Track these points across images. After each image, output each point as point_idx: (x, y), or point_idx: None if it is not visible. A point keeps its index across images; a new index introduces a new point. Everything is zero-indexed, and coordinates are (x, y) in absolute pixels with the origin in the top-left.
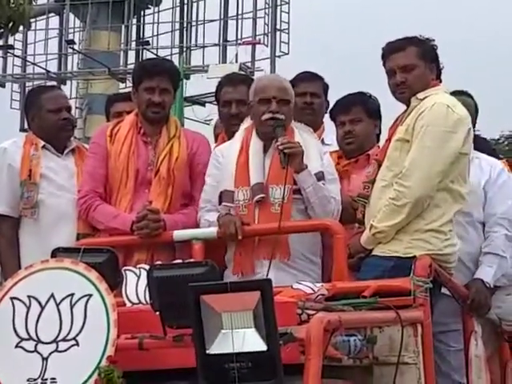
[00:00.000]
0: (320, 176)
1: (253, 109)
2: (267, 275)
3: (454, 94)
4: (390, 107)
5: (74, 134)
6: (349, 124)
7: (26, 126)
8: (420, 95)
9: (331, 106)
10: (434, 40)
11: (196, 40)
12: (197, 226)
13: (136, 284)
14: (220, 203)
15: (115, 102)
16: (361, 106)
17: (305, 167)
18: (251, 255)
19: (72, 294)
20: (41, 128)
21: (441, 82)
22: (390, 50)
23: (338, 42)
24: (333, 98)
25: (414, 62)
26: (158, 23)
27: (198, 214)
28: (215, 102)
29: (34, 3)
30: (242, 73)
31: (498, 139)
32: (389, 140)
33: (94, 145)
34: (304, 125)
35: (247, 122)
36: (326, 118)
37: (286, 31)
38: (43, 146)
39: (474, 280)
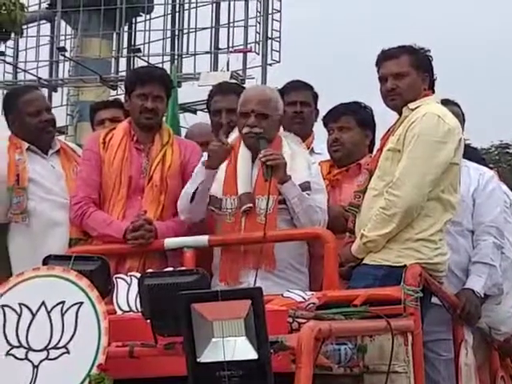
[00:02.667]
0: (306, 186)
1: (237, 121)
2: (254, 284)
3: (441, 102)
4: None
5: (55, 134)
6: (337, 131)
7: None
8: (411, 105)
9: (324, 113)
10: (429, 50)
11: (187, 48)
12: (189, 233)
13: (127, 292)
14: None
15: (97, 110)
16: (351, 114)
17: (288, 178)
18: (237, 264)
19: (63, 302)
20: (22, 131)
21: (433, 92)
22: (384, 57)
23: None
24: (323, 106)
25: (406, 70)
26: (150, 31)
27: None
28: (206, 110)
29: (25, 10)
30: (233, 82)
31: (489, 149)
32: (380, 150)
33: (87, 152)
34: (293, 135)
35: (235, 133)
36: (316, 126)
37: (278, 39)
38: (28, 148)
39: (464, 290)
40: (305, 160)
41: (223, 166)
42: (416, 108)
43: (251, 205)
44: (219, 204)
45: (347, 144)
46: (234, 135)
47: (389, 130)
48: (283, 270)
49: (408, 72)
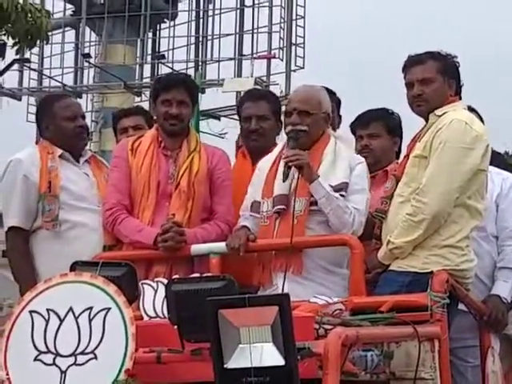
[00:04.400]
0: (341, 187)
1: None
2: (283, 288)
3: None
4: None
5: (88, 142)
6: (366, 138)
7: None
8: (438, 111)
9: (353, 119)
10: (456, 57)
11: (211, 54)
12: (216, 240)
13: (153, 298)
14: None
15: (120, 118)
16: (381, 121)
17: (315, 178)
18: (268, 267)
19: (90, 308)
20: (56, 136)
21: (460, 98)
22: (411, 63)
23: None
24: (347, 113)
25: (432, 76)
26: (174, 37)
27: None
28: (231, 116)
29: (51, 17)
30: (263, 88)
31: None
32: (407, 156)
33: (117, 159)
34: (346, 136)
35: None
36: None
37: (302, 45)
38: (60, 155)
39: (491, 296)
40: (347, 161)
41: (266, 170)
42: (443, 114)
43: (283, 206)
44: (258, 208)
45: (377, 151)
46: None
47: (415, 136)
48: (313, 273)
49: (434, 78)
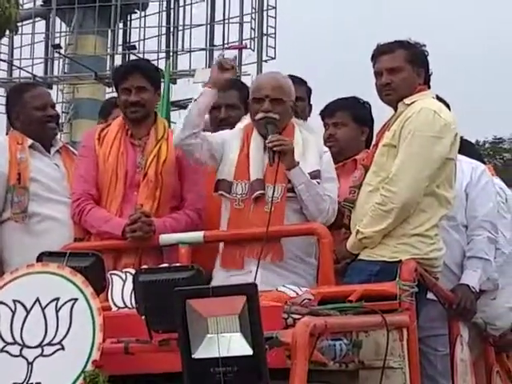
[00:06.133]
0: (316, 174)
1: (250, 108)
2: (256, 275)
3: None
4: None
5: (58, 132)
6: (332, 127)
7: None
8: (407, 100)
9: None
10: (424, 45)
11: (182, 44)
12: (186, 229)
13: (122, 288)
14: (216, 191)
15: (113, 107)
16: (347, 110)
17: (296, 164)
18: (242, 251)
19: (57, 299)
20: (26, 126)
21: (429, 87)
22: (380, 52)
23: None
24: (316, 102)
25: (401, 65)
26: (145, 27)
27: None
28: None
29: (20, 7)
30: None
31: (483, 144)
32: (376, 145)
33: (84, 148)
34: (307, 123)
35: (247, 120)
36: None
37: (273, 36)
38: (30, 146)
39: (460, 285)
40: (316, 148)
41: (235, 150)
42: (411, 103)
43: (263, 191)
44: (229, 188)
45: (341, 140)
46: (242, 124)
47: (384, 125)
48: (288, 262)
49: (403, 67)
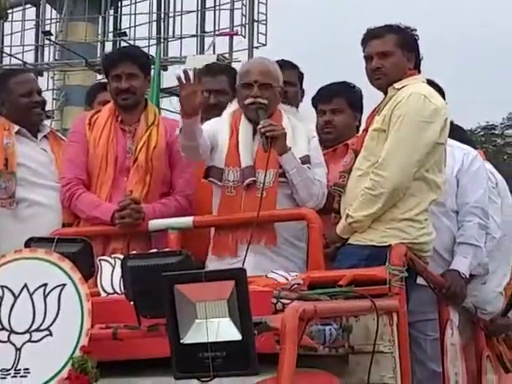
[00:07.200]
0: (305, 160)
1: (238, 93)
2: (244, 260)
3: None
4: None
5: (45, 118)
6: (329, 114)
7: None
8: (397, 85)
9: (314, 93)
10: (415, 30)
11: (173, 31)
12: (175, 215)
13: (111, 274)
14: (206, 178)
15: (100, 91)
16: (343, 96)
17: (288, 149)
18: (234, 237)
19: (45, 284)
20: (12, 112)
21: (419, 72)
22: (370, 36)
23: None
24: (309, 87)
25: (391, 49)
26: (136, 14)
27: None
28: None
29: None
30: (222, 63)
31: (475, 130)
32: (366, 130)
33: (74, 133)
34: (294, 109)
35: (234, 106)
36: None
37: (264, 22)
38: (17, 132)
39: (450, 270)
40: (305, 134)
41: (225, 137)
42: (402, 88)
43: (255, 178)
44: (220, 175)
45: (340, 127)
46: (229, 109)
47: (374, 109)
48: (281, 246)
49: (393, 51)
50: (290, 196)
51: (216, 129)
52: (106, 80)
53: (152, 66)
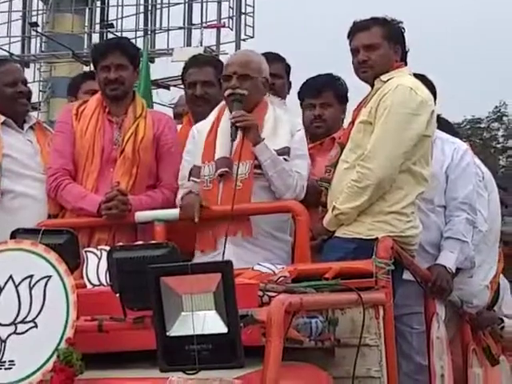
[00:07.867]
0: (284, 151)
1: (222, 86)
2: (224, 252)
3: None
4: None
5: (30, 108)
6: (319, 108)
7: None
8: (383, 77)
9: (300, 85)
10: (401, 22)
11: (161, 23)
12: (162, 207)
13: (97, 265)
14: (188, 179)
15: (87, 79)
16: (332, 90)
17: (261, 140)
18: (213, 232)
19: (31, 276)
20: None
21: (406, 64)
22: (356, 29)
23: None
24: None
25: (377, 42)
26: (123, 6)
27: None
28: (180, 86)
29: None
30: (208, 54)
31: (461, 123)
32: (352, 122)
33: (61, 124)
34: (283, 101)
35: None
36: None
37: (251, 15)
38: (3, 122)
39: (436, 265)
40: (288, 126)
41: (205, 135)
42: (388, 80)
43: (227, 169)
44: (198, 173)
45: (329, 120)
46: (221, 103)
47: (361, 102)
48: (259, 238)
49: (380, 44)
50: (267, 188)
51: (196, 133)
52: (88, 70)
53: (140, 58)
